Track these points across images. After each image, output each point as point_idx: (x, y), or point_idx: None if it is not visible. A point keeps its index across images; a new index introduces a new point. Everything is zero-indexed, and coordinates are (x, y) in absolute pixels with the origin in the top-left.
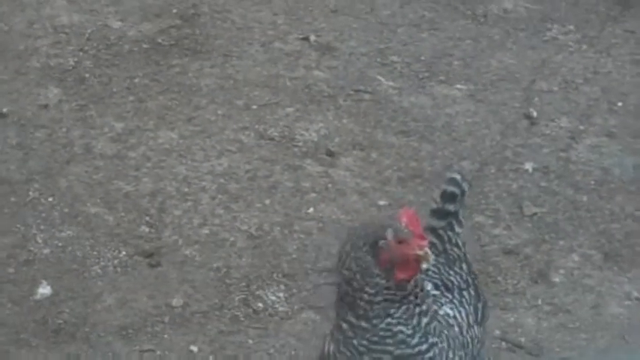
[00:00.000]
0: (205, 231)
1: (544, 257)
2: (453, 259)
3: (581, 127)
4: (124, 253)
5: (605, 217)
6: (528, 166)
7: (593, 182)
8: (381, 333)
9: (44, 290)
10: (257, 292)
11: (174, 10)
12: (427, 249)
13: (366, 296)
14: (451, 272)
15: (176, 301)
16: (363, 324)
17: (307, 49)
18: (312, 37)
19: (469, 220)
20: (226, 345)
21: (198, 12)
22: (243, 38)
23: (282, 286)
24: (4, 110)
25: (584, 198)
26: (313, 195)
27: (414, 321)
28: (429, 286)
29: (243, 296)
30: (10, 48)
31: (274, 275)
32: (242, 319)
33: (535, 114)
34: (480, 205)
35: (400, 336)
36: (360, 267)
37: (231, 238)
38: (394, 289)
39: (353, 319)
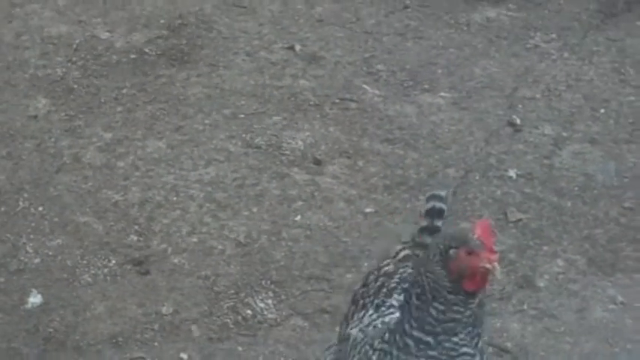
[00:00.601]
0: (194, 239)
1: (529, 262)
2: None
3: (564, 134)
4: (113, 261)
5: (589, 223)
6: (512, 172)
7: (576, 188)
8: (452, 353)
9: (35, 299)
10: (246, 300)
11: (162, 21)
12: (496, 263)
13: (434, 312)
14: None
15: (165, 309)
16: (430, 339)
17: (293, 59)
18: (298, 47)
19: (454, 226)
20: (216, 352)
21: (185, 22)
22: (230, 48)
23: (270, 293)
24: None
25: (568, 204)
26: (300, 203)
27: (474, 342)
28: None
29: (232, 304)
30: None
31: (263, 282)
32: (231, 326)
33: (518, 121)
34: (465, 211)
35: (466, 357)
36: (432, 280)
37: (220, 246)
38: (462, 306)
39: (420, 334)
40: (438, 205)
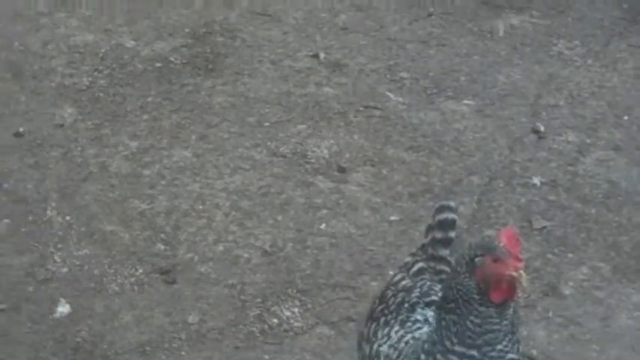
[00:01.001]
0: (220, 248)
1: (554, 270)
2: None
3: (588, 141)
4: (140, 270)
5: (613, 230)
6: (536, 180)
7: (600, 195)
8: None
9: (63, 308)
10: (272, 308)
11: (187, 30)
12: (522, 272)
13: (471, 325)
14: None
15: (192, 318)
16: (474, 352)
17: (317, 67)
18: (322, 55)
19: (479, 234)
20: None
21: (210, 31)
22: (254, 56)
23: (296, 302)
24: (21, 130)
25: (592, 211)
26: (325, 211)
27: (515, 347)
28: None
29: (258, 312)
30: (26, 68)
31: (288, 291)
32: (257, 334)
33: (542, 128)
34: (489, 219)
35: None
36: (463, 293)
37: (246, 255)
38: (497, 317)
39: (462, 349)
40: (451, 216)
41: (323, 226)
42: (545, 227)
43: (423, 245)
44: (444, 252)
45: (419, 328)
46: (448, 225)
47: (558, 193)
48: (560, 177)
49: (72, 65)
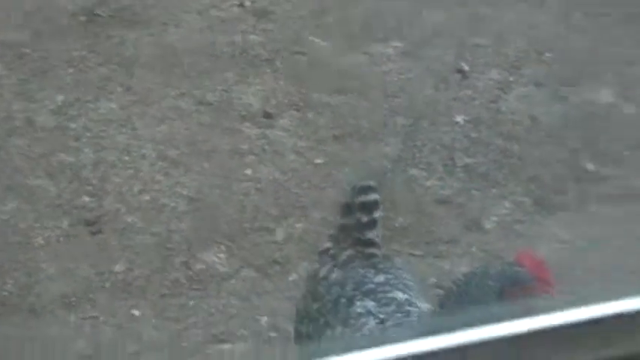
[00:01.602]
0: (146, 197)
1: (477, 205)
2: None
3: (511, 79)
4: (65, 223)
5: (535, 165)
6: (459, 118)
7: (522, 131)
8: None
9: None
10: (198, 255)
11: None
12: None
13: None
14: (399, 273)
15: (118, 267)
16: None
17: (243, 15)
18: (247, 3)
19: (404, 173)
20: (168, 307)
21: None
22: (180, 7)
23: (222, 247)
24: None
25: (515, 147)
26: (251, 157)
27: None
28: (399, 294)
29: (184, 259)
30: None
31: (214, 237)
32: (183, 281)
33: (467, 68)
34: (414, 158)
35: None
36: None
37: (172, 203)
38: None
39: None
40: (373, 197)
41: (249, 171)
42: (468, 164)
43: (342, 227)
44: (372, 234)
45: (364, 324)
46: (372, 206)
47: (480, 131)
48: (482, 114)
49: None
